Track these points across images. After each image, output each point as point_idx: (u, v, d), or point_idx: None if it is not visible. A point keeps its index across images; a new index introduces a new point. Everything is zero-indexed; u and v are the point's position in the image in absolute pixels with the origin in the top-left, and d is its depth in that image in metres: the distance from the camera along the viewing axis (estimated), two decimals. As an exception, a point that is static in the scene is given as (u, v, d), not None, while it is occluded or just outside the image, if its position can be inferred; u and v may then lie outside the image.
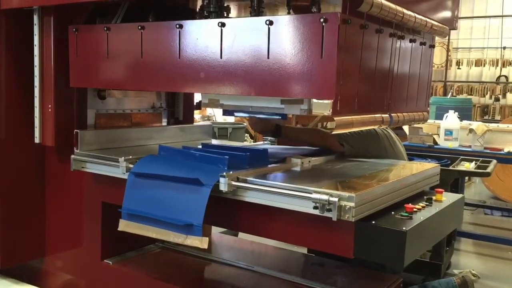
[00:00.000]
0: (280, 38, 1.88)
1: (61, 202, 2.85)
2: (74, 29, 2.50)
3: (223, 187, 1.99)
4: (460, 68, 14.04)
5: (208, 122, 6.85)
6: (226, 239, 3.22)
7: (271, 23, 1.88)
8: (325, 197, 1.79)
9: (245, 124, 8.50)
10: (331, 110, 1.85)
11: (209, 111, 9.79)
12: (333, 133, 1.94)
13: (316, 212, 1.81)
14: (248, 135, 8.66)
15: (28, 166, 2.80)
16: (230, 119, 9.63)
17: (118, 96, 2.95)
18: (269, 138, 3.55)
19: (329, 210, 1.79)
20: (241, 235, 3.55)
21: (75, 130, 2.58)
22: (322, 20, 1.76)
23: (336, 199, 1.77)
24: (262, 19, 1.91)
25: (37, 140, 2.71)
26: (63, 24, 2.55)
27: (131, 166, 2.29)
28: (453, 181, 4.04)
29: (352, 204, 1.77)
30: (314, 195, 1.81)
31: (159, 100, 3.22)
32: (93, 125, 2.79)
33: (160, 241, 2.82)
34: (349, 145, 2.83)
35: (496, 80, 13.48)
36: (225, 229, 3.38)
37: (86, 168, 2.52)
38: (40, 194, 2.85)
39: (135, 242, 2.71)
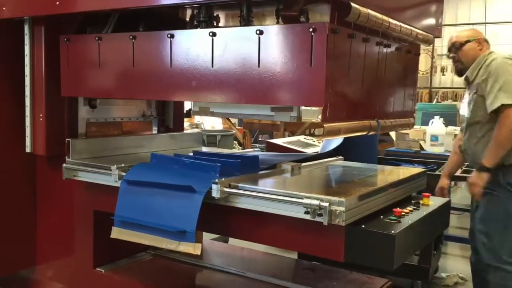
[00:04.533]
0: (270, 47, 1.92)
1: (52, 211, 2.85)
2: (65, 39, 2.52)
3: (215, 193, 2.02)
4: (444, 75, 14.24)
5: (197, 130, 6.88)
6: (217, 245, 3.24)
7: (261, 32, 1.93)
8: (316, 202, 1.82)
9: (234, 131, 8.54)
10: (320, 117, 1.89)
11: (197, 118, 9.82)
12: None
13: (307, 217, 1.85)
14: (236, 142, 8.69)
15: (19, 175, 2.80)
16: (219, 126, 9.68)
17: (108, 105, 2.96)
18: (258, 145, 3.58)
19: (320, 215, 1.82)
20: (232, 241, 3.57)
21: (67, 139, 2.60)
22: (311, 29, 1.81)
23: (326, 204, 1.81)
24: (253, 29, 1.95)
25: (28, 150, 2.71)
26: (54, 34, 2.57)
27: (123, 174, 2.31)
28: (439, 186, 4.09)
29: (343, 209, 1.81)
30: (305, 200, 1.85)
31: (149, 108, 3.24)
32: (84, 133, 2.80)
33: (152, 248, 2.83)
34: None
35: (481, 86, 13.64)
36: (216, 236, 3.40)
37: (78, 176, 2.53)
38: (31, 203, 2.85)
39: (127, 249, 2.72)
